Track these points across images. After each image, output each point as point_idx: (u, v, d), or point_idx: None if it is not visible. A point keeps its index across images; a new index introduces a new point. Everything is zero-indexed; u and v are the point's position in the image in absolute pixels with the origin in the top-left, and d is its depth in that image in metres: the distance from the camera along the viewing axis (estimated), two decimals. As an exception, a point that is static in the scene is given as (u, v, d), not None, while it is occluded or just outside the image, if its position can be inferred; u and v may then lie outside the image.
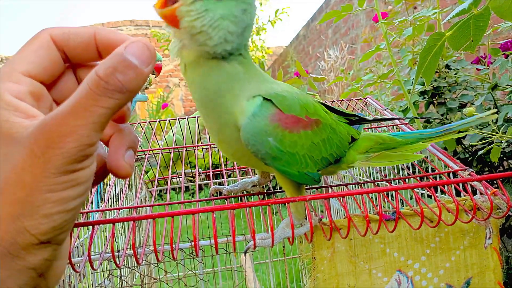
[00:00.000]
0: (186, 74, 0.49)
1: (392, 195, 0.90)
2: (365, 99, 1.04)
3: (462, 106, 1.39)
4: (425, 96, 1.45)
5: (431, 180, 0.67)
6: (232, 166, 0.92)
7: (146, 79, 0.30)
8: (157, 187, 1.37)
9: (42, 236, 0.28)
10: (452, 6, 1.97)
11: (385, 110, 0.94)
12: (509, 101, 1.24)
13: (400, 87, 1.58)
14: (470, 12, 0.68)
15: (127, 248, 0.49)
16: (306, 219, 0.55)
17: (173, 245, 0.50)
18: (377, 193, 0.55)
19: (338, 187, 0.67)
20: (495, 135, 0.93)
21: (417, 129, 0.93)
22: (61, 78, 0.35)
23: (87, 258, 0.48)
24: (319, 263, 0.58)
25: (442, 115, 1.40)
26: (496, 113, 0.64)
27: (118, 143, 0.33)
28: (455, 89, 1.42)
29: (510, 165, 1.26)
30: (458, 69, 1.43)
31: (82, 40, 0.33)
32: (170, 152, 0.89)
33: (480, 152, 0.95)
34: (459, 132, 0.64)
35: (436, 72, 1.43)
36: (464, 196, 0.61)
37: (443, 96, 1.43)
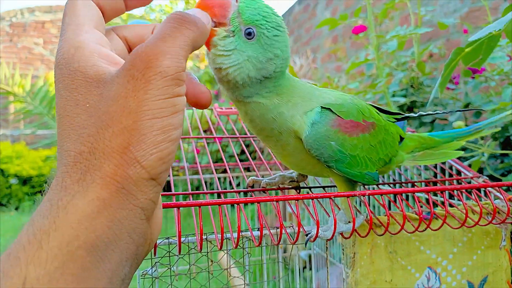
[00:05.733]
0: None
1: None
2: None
3: (433, 121, 1.49)
4: (402, 110, 1.54)
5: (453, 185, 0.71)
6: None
7: (206, 34, 0.35)
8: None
9: (151, 170, 0.29)
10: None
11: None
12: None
13: (375, 99, 1.66)
14: (489, 33, 0.74)
15: (187, 235, 0.47)
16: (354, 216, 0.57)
17: (234, 234, 0.48)
18: (413, 193, 0.58)
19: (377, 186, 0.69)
20: (480, 148, 1.02)
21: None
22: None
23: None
24: (360, 258, 0.59)
25: (415, 128, 1.49)
26: None
27: (195, 82, 0.36)
28: (427, 105, 1.52)
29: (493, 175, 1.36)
30: (431, 86, 1.53)
31: None
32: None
33: (466, 163, 1.02)
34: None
35: (413, 87, 1.52)
36: (485, 200, 0.66)
37: (417, 111, 1.53)
